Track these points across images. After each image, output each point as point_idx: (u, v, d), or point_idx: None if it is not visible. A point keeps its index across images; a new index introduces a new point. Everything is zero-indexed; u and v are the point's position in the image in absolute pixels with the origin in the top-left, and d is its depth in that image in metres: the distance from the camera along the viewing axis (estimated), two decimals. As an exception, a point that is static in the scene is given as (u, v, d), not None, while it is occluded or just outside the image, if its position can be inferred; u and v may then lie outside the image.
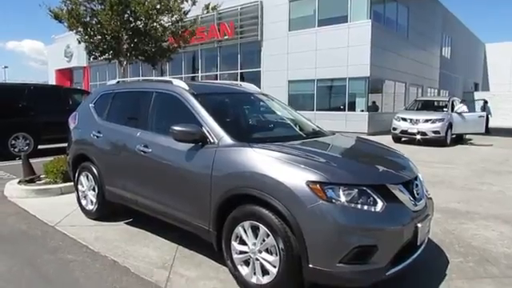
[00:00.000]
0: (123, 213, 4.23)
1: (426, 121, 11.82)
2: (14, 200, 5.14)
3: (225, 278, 2.87)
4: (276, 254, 2.47)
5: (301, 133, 3.65)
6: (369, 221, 2.32)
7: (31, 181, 5.71)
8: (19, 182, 5.64)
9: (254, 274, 2.62)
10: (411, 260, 2.58)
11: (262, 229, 2.53)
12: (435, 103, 13.85)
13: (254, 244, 2.61)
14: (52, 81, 34.17)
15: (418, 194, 2.70)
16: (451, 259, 3.32)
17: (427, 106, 13.51)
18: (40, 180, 5.80)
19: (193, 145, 3.03)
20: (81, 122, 4.57)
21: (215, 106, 3.36)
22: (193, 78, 23.25)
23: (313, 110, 17.01)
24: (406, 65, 18.57)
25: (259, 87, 17.21)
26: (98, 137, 4.11)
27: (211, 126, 3.02)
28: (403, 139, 12.68)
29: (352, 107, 16.16)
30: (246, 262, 2.69)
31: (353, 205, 2.33)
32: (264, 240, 2.54)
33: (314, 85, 16.94)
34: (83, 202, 4.43)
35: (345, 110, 16.18)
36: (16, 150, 8.78)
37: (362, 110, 15.85)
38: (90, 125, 4.34)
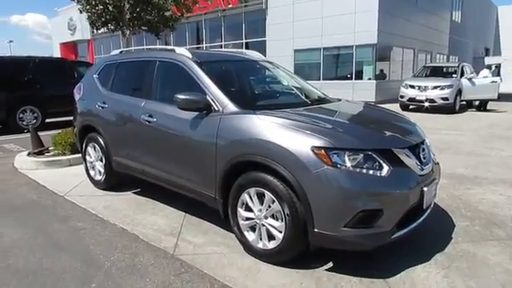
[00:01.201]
0: (131, 183, 4.28)
1: (435, 87, 11.58)
2: (24, 171, 5.23)
3: (232, 244, 2.92)
4: (282, 220, 2.49)
5: (306, 99, 3.59)
6: (374, 185, 2.31)
7: (40, 153, 5.78)
8: (28, 154, 5.71)
9: (261, 239, 2.66)
10: (417, 223, 2.59)
11: (268, 195, 2.54)
12: (444, 69, 13.51)
13: (260, 210, 2.62)
14: (57, 54, 33.94)
15: (424, 158, 2.67)
16: (457, 223, 3.33)
17: (436, 72, 13.18)
18: (49, 152, 5.86)
19: (197, 113, 3.00)
20: (86, 93, 4.55)
21: (219, 74, 3.30)
22: (197, 49, 22.88)
23: (319, 80, 16.73)
24: (414, 30, 17.99)
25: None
26: (103, 107, 4.10)
27: (215, 93, 2.97)
28: (411, 107, 12.51)
29: (359, 76, 15.86)
30: (253, 228, 2.72)
31: (358, 169, 2.31)
32: (270, 206, 2.56)
33: (320, 53, 16.57)
34: (91, 173, 4.48)
35: (352, 79, 15.90)
36: (24, 123, 8.84)
37: (370, 78, 15.56)
38: (94, 95, 4.31)
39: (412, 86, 12.02)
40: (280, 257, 2.57)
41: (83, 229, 3.28)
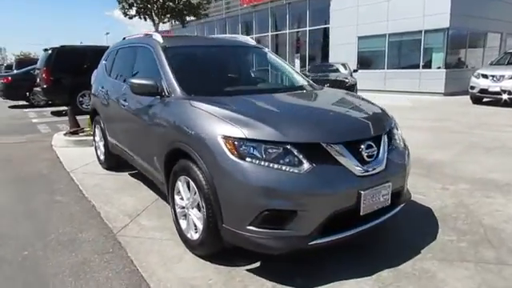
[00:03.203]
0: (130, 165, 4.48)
1: (512, 77, 9.85)
2: (56, 148, 5.83)
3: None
4: (201, 211, 2.37)
5: (272, 86, 3.36)
6: (285, 183, 2.04)
7: (75, 132, 6.38)
8: (65, 134, 6.35)
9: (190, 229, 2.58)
10: (353, 232, 2.23)
11: (191, 184, 2.43)
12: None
13: (188, 199, 2.54)
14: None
15: (370, 157, 2.28)
16: (442, 236, 2.81)
17: (521, 59, 11.18)
18: (83, 132, 6.44)
19: (153, 98, 2.99)
20: (96, 78, 4.87)
21: (181, 60, 3.25)
22: (259, 39, 23.11)
23: (384, 69, 15.52)
24: (501, 10, 15.38)
25: (327, 45, 16.08)
26: (101, 91, 4.35)
27: (168, 78, 2.94)
28: (485, 100, 10.85)
29: (428, 64, 14.26)
30: (186, 216, 2.65)
31: (271, 164, 2.07)
32: (194, 195, 2.45)
33: (385, 40, 15.28)
34: (98, 153, 4.81)
35: (419, 68, 14.38)
36: (84, 106, 9.84)
37: (439, 67, 13.89)
38: (100, 80, 4.59)
39: (484, 76, 10.39)
40: (202, 249, 2.46)
41: (59, 202, 3.54)
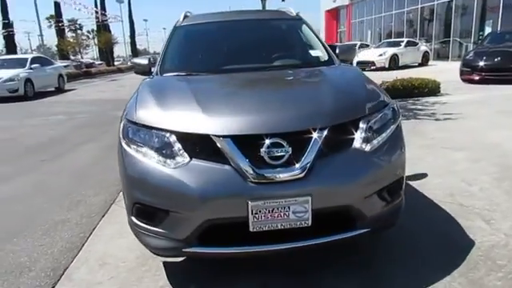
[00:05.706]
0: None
1: None
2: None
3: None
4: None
5: (270, 64, 2.92)
6: (151, 176, 1.81)
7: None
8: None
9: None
10: (241, 251, 1.81)
11: None
12: None
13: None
14: (322, 22, 37.79)
15: (277, 159, 1.71)
16: (422, 272, 1.88)
17: None
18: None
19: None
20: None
21: (183, 39, 3.22)
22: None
23: None
24: None
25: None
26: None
27: (159, 58, 3.00)
28: None
29: None
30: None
31: (148, 154, 1.87)
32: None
33: None
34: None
35: None
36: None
37: None
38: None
39: None
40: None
41: (84, 176, 4.05)
